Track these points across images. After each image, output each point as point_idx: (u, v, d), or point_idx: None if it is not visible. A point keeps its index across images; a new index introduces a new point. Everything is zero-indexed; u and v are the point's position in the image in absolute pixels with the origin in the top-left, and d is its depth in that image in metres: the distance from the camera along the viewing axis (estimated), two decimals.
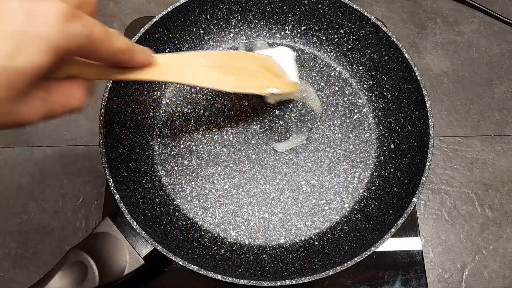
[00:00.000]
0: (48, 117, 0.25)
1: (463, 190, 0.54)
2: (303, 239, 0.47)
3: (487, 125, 0.58)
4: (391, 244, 0.50)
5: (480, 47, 0.63)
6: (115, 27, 0.61)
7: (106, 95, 0.45)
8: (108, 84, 0.45)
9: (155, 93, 0.53)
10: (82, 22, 0.23)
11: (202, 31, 0.54)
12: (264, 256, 0.46)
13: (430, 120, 0.45)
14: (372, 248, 0.39)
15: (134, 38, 0.47)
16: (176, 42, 0.53)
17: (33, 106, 0.24)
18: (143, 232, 0.39)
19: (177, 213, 0.48)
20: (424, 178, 0.42)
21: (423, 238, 0.51)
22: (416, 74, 0.47)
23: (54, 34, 0.21)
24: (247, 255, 0.46)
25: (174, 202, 0.48)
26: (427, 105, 0.45)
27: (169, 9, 0.49)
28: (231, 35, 0.56)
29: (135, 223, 0.40)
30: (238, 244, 0.47)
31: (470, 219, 0.53)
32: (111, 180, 0.41)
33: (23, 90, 0.22)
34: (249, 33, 0.56)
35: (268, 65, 0.47)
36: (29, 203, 0.52)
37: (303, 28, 0.56)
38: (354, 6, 0.50)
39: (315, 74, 0.55)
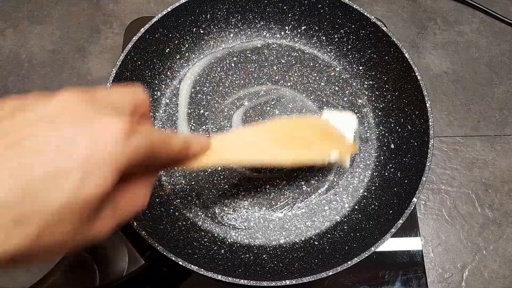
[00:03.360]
0: (119, 226, 0.24)
1: (463, 190, 0.54)
2: (303, 239, 0.47)
3: (487, 125, 0.58)
4: (391, 244, 0.50)
5: (480, 47, 0.63)
6: (115, 27, 0.61)
7: None
8: (108, 84, 0.45)
9: (155, 93, 0.53)
10: (142, 134, 0.22)
11: (202, 31, 0.54)
12: (264, 256, 0.46)
13: (430, 120, 0.45)
14: (372, 248, 0.39)
15: (134, 38, 0.47)
16: (176, 42, 0.53)
17: (104, 221, 0.23)
18: (143, 232, 0.40)
19: (177, 213, 0.48)
20: (424, 178, 0.42)
21: (423, 238, 0.51)
22: (416, 74, 0.47)
23: (119, 155, 0.20)
24: (247, 255, 0.46)
25: (174, 202, 0.48)
26: (427, 105, 0.45)
27: (169, 9, 0.49)
28: (231, 35, 0.56)
29: (135, 223, 0.40)
30: (238, 244, 0.47)
31: (470, 219, 0.53)
32: None
33: (94, 213, 0.21)
34: (249, 33, 0.56)
35: (325, 129, 0.44)
36: None
37: (303, 28, 0.56)
38: (354, 6, 0.50)
39: (315, 74, 0.55)
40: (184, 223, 0.47)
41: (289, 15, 0.55)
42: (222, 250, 0.46)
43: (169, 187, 0.49)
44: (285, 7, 0.54)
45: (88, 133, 0.20)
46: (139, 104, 0.24)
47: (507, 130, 0.58)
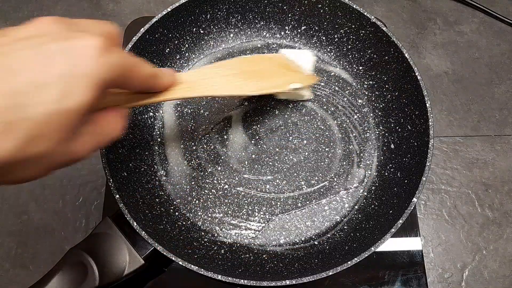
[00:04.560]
0: (96, 149, 0.25)
1: (463, 190, 0.54)
2: (303, 239, 0.47)
3: (487, 125, 0.58)
4: (391, 244, 0.50)
5: (480, 47, 0.63)
6: None
7: None
8: None
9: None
10: (115, 53, 0.23)
11: (202, 31, 0.54)
12: (264, 256, 0.46)
13: (430, 120, 0.45)
14: (372, 248, 0.39)
15: (134, 38, 0.47)
16: (176, 42, 0.53)
17: (83, 141, 0.24)
18: (143, 232, 0.39)
19: (177, 213, 0.48)
20: (424, 178, 0.42)
21: (423, 238, 0.51)
22: (416, 74, 0.47)
23: (96, 69, 0.22)
24: (247, 255, 0.46)
25: (174, 202, 0.48)
26: (427, 105, 0.45)
27: (169, 9, 0.49)
28: (231, 35, 0.56)
29: (135, 223, 0.40)
30: (238, 244, 0.47)
31: (470, 219, 0.53)
32: (111, 180, 0.41)
33: (74, 129, 0.22)
34: (249, 33, 0.56)
35: (283, 62, 0.49)
36: (29, 203, 0.52)
37: (303, 28, 0.56)
38: (354, 6, 0.50)
39: (315, 74, 0.55)
40: (184, 223, 0.47)
41: (289, 15, 0.55)
42: (222, 250, 0.46)
43: (169, 187, 0.49)
44: (285, 7, 0.54)
45: (65, 50, 0.21)
46: (111, 35, 0.26)
47: (507, 130, 0.58)
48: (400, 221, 0.41)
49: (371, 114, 0.53)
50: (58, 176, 0.53)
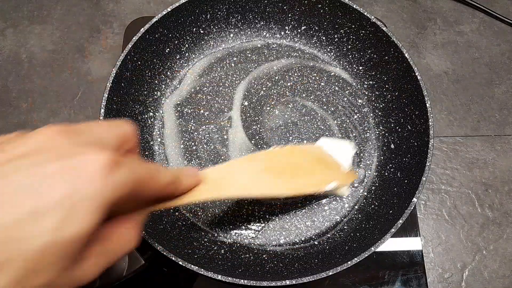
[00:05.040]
0: (106, 267, 0.22)
1: (463, 190, 0.54)
2: (303, 239, 0.47)
3: (487, 125, 0.58)
4: (391, 244, 0.50)
5: (480, 47, 0.63)
6: (115, 27, 0.61)
7: (106, 95, 0.45)
8: (108, 84, 0.45)
9: (155, 93, 0.53)
10: (126, 168, 0.20)
11: (202, 31, 0.54)
12: (264, 256, 0.46)
13: (430, 120, 0.45)
14: (372, 248, 0.39)
15: (134, 38, 0.47)
16: (176, 42, 0.53)
17: (90, 264, 0.21)
18: (143, 232, 0.39)
19: (177, 213, 0.48)
20: (424, 178, 0.42)
21: (423, 238, 0.51)
22: (416, 74, 0.47)
23: (101, 191, 0.19)
24: (247, 255, 0.46)
25: None
26: (427, 105, 0.45)
27: (169, 9, 0.49)
28: (231, 35, 0.56)
29: None
30: (238, 244, 0.47)
31: (470, 219, 0.53)
32: None
33: (77, 254, 0.20)
34: (249, 33, 0.56)
35: (320, 157, 0.43)
36: None
37: (303, 28, 0.56)
38: (354, 6, 0.50)
39: (315, 74, 0.55)
40: (184, 223, 0.47)
41: (289, 15, 0.55)
42: (222, 250, 0.46)
43: None
44: (285, 7, 0.54)
45: (66, 170, 0.19)
46: (126, 139, 0.23)
47: (507, 130, 0.58)
48: (400, 221, 0.41)
49: (371, 114, 0.53)
50: None
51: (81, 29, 0.61)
